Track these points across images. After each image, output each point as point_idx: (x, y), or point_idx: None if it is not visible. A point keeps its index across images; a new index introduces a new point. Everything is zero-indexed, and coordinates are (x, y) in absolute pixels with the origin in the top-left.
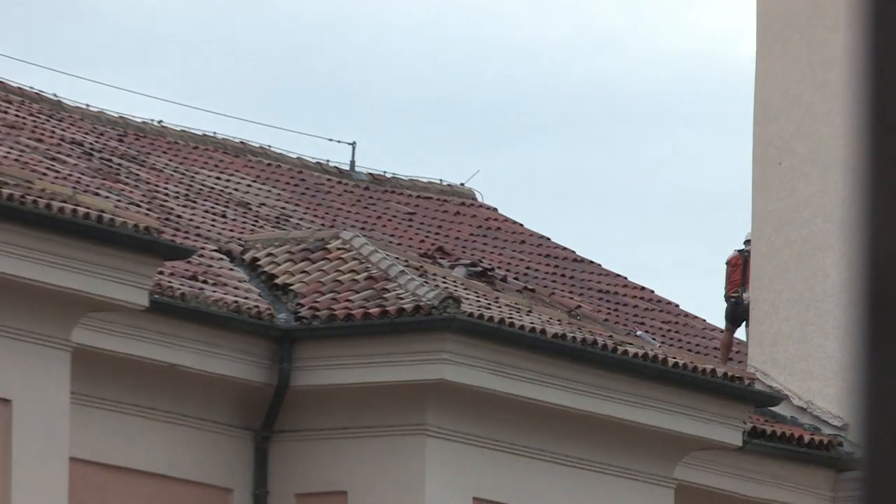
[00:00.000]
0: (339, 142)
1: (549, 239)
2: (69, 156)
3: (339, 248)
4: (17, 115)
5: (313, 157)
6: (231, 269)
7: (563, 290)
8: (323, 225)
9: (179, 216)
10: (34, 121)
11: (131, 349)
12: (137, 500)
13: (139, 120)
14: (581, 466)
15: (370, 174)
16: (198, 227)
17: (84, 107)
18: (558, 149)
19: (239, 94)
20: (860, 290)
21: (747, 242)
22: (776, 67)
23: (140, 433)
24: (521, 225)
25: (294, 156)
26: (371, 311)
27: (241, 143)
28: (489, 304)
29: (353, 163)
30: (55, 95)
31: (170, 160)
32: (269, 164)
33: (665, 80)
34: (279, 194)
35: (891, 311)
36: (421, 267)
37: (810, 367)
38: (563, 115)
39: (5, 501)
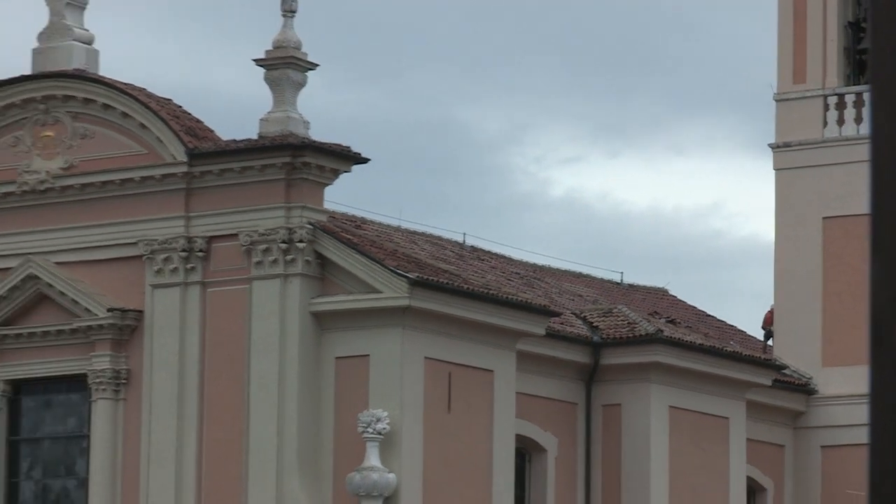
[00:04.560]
0: (614, 271)
1: (696, 307)
2: (509, 278)
3: (615, 312)
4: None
5: (605, 278)
6: (575, 319)
7: (703, 328)
8: (622, 305)
9: (556, 300)
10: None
11: (539, 350)
12: (541, 411)
13: (541, 263)
14: (703, 391)
15: (629, 284)
16: (564, 305)
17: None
18: (697, 271)
19: (578, 252)
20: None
21: (772, 308)
22: (787, 234)
23: (540, 383)
24: (685, 302)
25: (599, 276)
26: (628, 335)
27: (579, 272)
28: (675, 331)
29: (622, 279)
30: (506, 256)
31: (550, 280)
32: (591, 281)
33: (735, 242)
34: (592, 294)
35: (883, 341)
36: (649, 318)
37: (799, 356)
38: (692, 256)
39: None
